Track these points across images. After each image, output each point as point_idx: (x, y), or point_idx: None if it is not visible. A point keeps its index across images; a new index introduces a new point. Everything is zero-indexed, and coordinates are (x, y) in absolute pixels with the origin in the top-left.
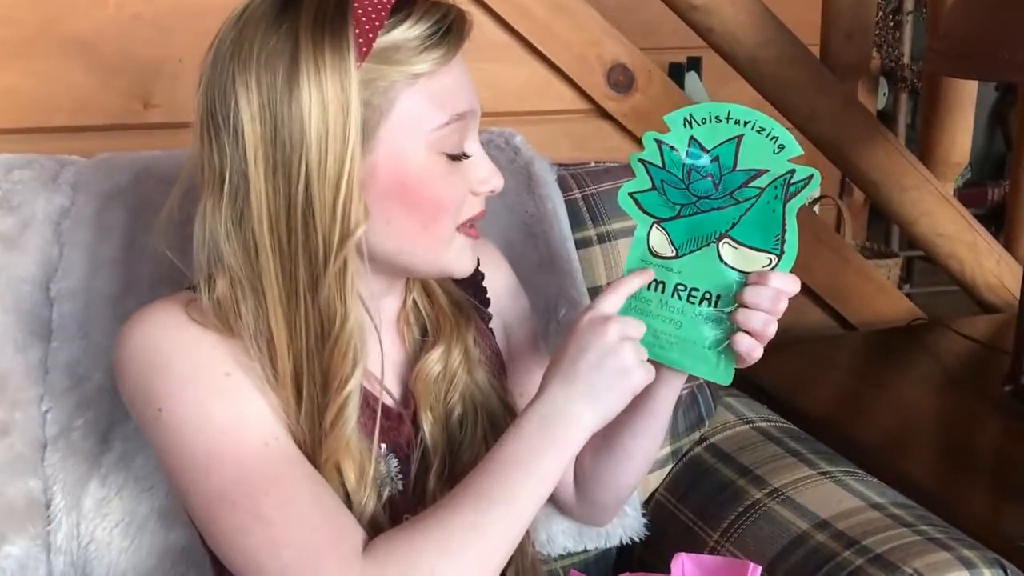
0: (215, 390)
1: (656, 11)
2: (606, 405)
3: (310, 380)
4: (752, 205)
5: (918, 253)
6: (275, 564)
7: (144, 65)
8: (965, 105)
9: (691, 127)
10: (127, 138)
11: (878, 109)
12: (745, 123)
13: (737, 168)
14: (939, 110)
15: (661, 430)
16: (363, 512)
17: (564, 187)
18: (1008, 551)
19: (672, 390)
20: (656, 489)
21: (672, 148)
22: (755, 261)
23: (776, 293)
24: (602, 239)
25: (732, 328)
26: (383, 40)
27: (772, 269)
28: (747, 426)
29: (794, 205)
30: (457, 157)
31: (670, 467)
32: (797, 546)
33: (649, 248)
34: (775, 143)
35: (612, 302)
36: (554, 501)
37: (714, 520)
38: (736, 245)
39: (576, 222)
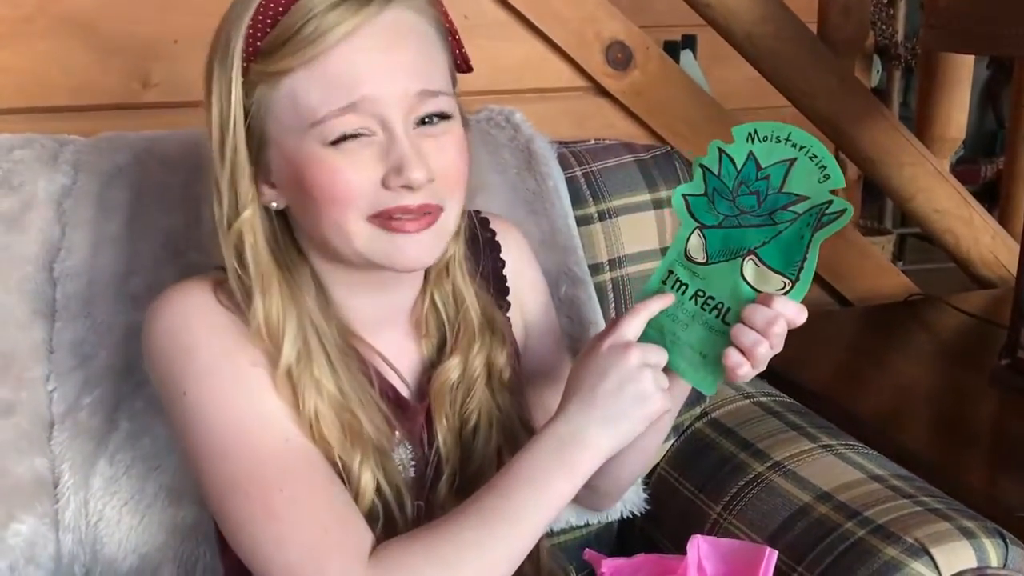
0: (240, 380)
1: None
2: (623, 431)
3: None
4: (786, 228)
5: (911, 230)
6: (280, 559)
7: (142, 45)
8: (962, 81)
9: (753, 142)
10: (125, 118)
11: (872, 86)
12: (801, 148)
13: (783, 190)
14: (935, 86)
15: (667, 425)
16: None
17: (564, 165)
18: (1007, 521)
19: (679, 388)
20: (658, 464)
21: (731, 159)
22: (771, 282)
23: (774, 316)
24: (603, 216)
25: (728, 342)
26: (264, 44)
27: (785, 293)
28: (747, 401)
29: (821, 236)
30: (342, 141)
31: (672, 442)
32: (799, 518)
33: (686, 250)
34: (822, 172)
35: (634, 327)
36: None
37: (716, 493)
38: (759, 264)
39: (577, 199)
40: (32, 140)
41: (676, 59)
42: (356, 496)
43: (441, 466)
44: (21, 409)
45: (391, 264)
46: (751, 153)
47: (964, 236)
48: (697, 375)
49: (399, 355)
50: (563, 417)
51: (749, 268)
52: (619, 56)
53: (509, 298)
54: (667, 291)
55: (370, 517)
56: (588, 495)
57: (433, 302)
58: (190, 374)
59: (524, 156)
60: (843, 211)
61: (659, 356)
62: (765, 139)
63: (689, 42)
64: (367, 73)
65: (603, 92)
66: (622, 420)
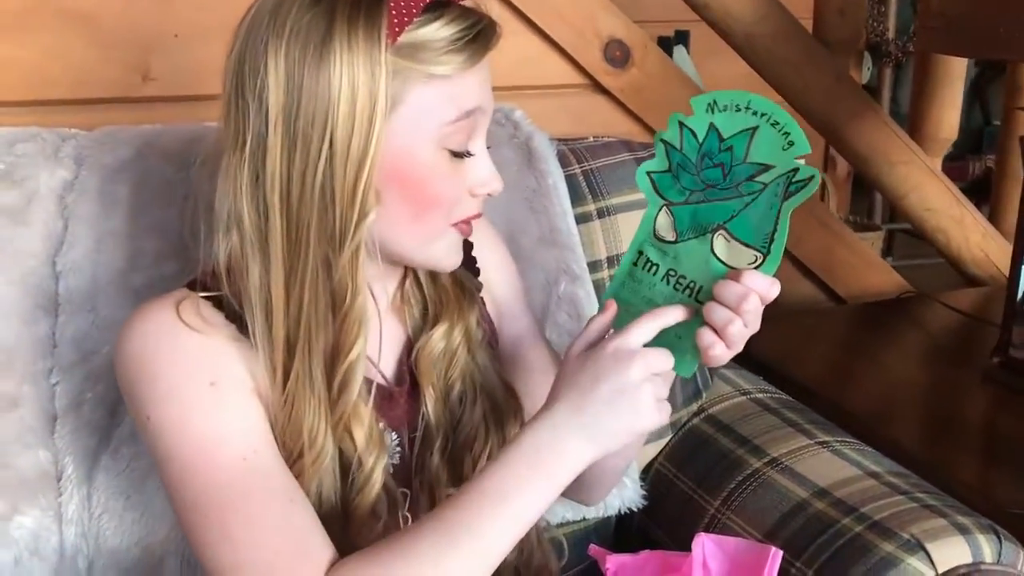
0: (197, 402)
1: None
2: (607, 443)
3: (309, 348)
4: (753, 200)
5: (900, 226)
6: None
7: (143, 38)
8: (954, 81)
9: (713, 113)
10: (126, 111)
11: (863, 84)
12: (762, 115)
13: (747, 160)
14: (928, 86)
15: None
16: (371, 473)
17: (563, 162)
18: (999, 517)
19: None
20: (655, 459)
21: (692, 132)
22: (742, 257)
23: (745, 292)
24: (601, 214)
25: (702, 322)
26: (410, 35)
27: (756, 267)
28: (744, 397)
29: (790, 205)
30: (460, 155)
31: (668, 438)
32: (797, 513)
33: (655, 229)
34: (786, 139)
35: (642, 335)
36: None
37: (714, 489)
38: (729, 238)
39: (575, 197)
40: (34, 134)
41: (669, 54)
42: (361, 493)
43: (430, 440)
44: (24, 403)
45: (449, 265)
46: (712, 124)
47: (955, 235)
48: (674, 357)
49: (384, 339)
50: (546, 421)
51: (719, 243)
52: (618, 54)
53: (481, 279)
54: (638, 273)
55: (374, 514)
56: (576, 489)
57: (416, 278)
58: (152, 399)
59: (524, 153)
60: (811, 178)
61: (664, 363)
62: (725, 108)
63: (682, 38)
64: (482, 84)
65: (601, 89)
66: (608, 433)
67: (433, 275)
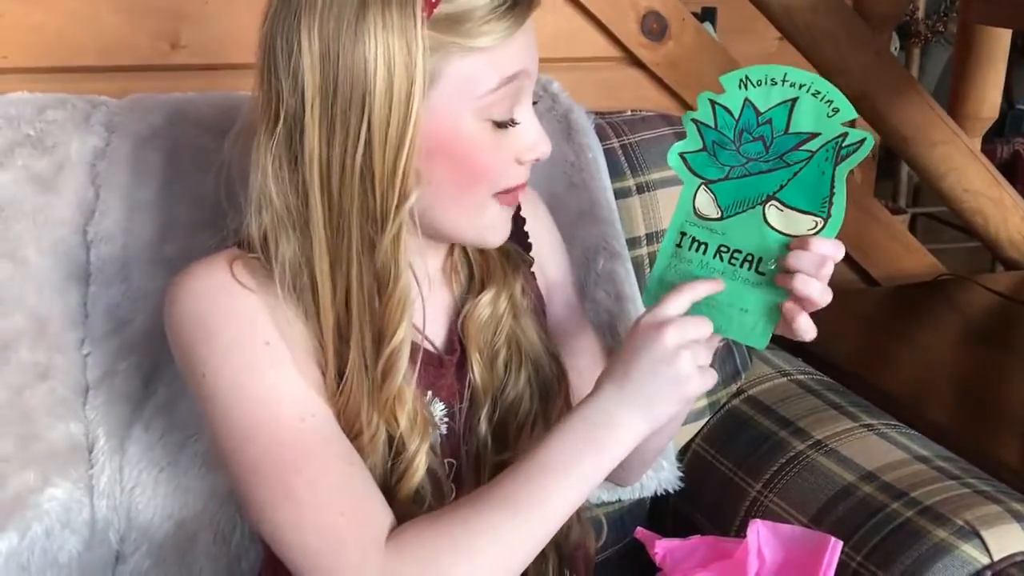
0: (254, 361)
1: None
2: (657, 413)
3: (359, 332)
4: (802, 168)
5: (925, 209)
6: (299, 543)
7: (172, 6)
8: (998, 59)
9: (746, 88)
10: (154, 79)
11: None
12: (800, 86)
13: (789, 131)
14: (971, 64)
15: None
16: (415, 457)
17: (602, 136)
18: None
19: (706, 352)
20: (693, 440)
21: (726, 109)
22: (800, 224)
23: (820, 259)
24: (641, 189)
25: (772, 291)
26: (447, 6)
27: (817, 232)
28: (785, 379)
29: (844, 168)
30: (504, 124)
31: (706, 419)
32: (843, 497)
33: (694, 208)
34: (830, 106)
35: (676, 306)
36: None
37: (756, 471)
38: (783, 208)
39: (614, 172)
40: (64, 100)
41: None
42: (404, 477)
43: (477, 406)
44: (56, 374)
45: (497, 239)
46: (747, 99)
47: (993, 216)
48: (745, 332)
49: (430, 309)
50: (595, 398)
51: (773, 213)
52: (655, 26)
53: (532, 254)
54: (684, 253)
55: (417, 497)
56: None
57: (464, 247)
58: (208, 357)
59: (563, 127)
60: (862, 140)
61: (701, 328)
62: (759, 83)
63: (709, 14)
64: (525, 48)
65: (636, 62)
66: (657, 402)
67: None
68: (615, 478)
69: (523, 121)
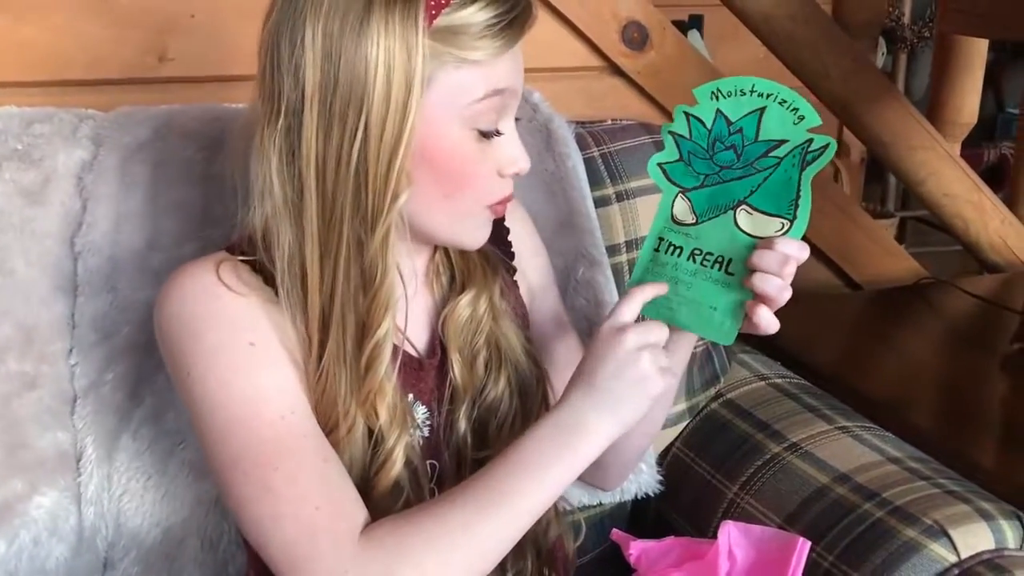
0: (238, 361)
1: None
2: (624, 415)
3: (341, 324)
4: (771, 174)
5: (913, 213)
6: (278, 536)
7: (159, 19)
8: (975, 66)
9: (718, 100)
10: (142, 92)
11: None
12: (768, 95)
13: (759, 139)
14: (949, 71)
15: (670, 398)
16: (393, 450)
17: (581, 145)
18: (1020, 504)
19: (683, 352)
20: (672, 443)
21: (699, 120)
22: (768, 226)
23: (783, 258)
24: (620, 197)
25: (739, 290)
26: (447, 19)
27: (784, 233)
28: (763, 382)
29: (810, 172)
30: (488, 134)
31: (686, 423)
32: (818, 498)
33: (672, 215)
34: (795, 114)
35: (629, 310)
36: None
37: (733, 473)
38: (752, 211)
39: (594, 180)
40: (51, 114)
41: None
42: (383, 469)
43: (457, 406)
44: (43, 383)
45: (473, 243)
46: (718, 110)
47: (973, 221)
48: (713, 329)
49: (411, 311)
50: (564, 404)
51: (743, 217)
52: (635, 36)
53: (514, 263)
54: (661, 258)
55: (395, 490)
56: (593, 472)
57: (445, 250)
58: (194, 356)
59: (543, 136)
60: (826, 146)
61: (658, 334)
62: (729, 95)
63: (696, 22)
64: (513, 66)
65: (618, 72)
66: (623, 404)
67: None
68: (597, 482)
69: (507, 134)
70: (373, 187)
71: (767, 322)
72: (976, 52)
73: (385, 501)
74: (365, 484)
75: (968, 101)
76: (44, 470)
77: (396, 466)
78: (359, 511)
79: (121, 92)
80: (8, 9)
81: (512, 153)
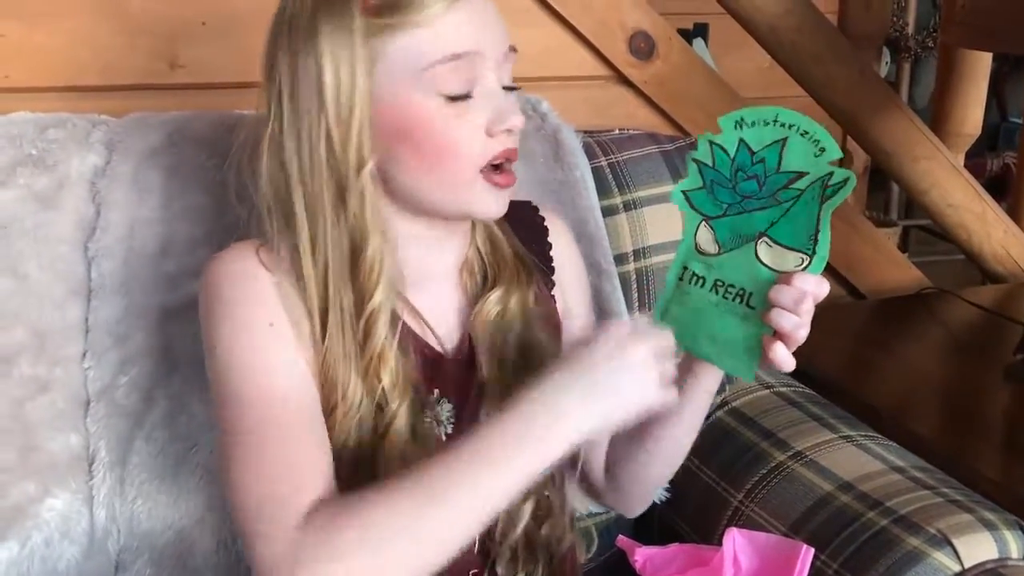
0: (257, 341)
1: None
2: (603, 410)
3: (338, 295)
4: (791, 206)
5: (916, 222)
6: (242, 503)
7: (170, 26)
8: (978, 77)
9: (741, 129)
10: (153, 98)
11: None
12: (790, 126)
13: (781, 170)
14: (952, 82)
15: (699, 423)
16: (395, 416)
17: (589, 155)
18: (1022, 514)
19: (711, 380)
20: None
21: (723, 149)
22: (788, 260)
23: (800, 294)
24: (628, 207)
25: (759, 325)
26: None
27: (804, 268)
28: (768, 391)
29: (829, 207)
30: (458, 98)
31: None
32: (822, 507)
33: (696, 244)
34: (816, 146)
35: (648, 322)
36: (584, 487)
37: (738, 481)
38: (772, 244)
39: (602, 190)
40: (65, 120)
41: None
42: (388, 432)
43: (484, 406)
44: (56, 387)
45: (484, 212)
46: (741, 140)
47: (976, 231)
48: (734, 363)
49: (442, 308)
50: (538, 386)
51: (763, 250)
52: (642, 46)
53: (555, 278)
54: (684, 287)
55: (403, 459)
56: (615, 498)
57: (477, 247)
58: (220, 333)
59: (551, 146)
60: (846, 180)
61: (669, 339)
62: (753, 124)
63: (701, 31)
64: (473, 29)
65: (625, 81)
66: (608, 396)
67: (493, 243)
68: (620, 507)
69: (487, 94)
70: (342, 164)
71: (782, 359)
72: (980, 64)
73: (390, 469)
74: (371, 453)
75: (972, 112)
76: (56, 473)
77: (400, 431)
78: (320, 487)
79: (133, 98)
80: (22, 16)
81: (497, 109)
